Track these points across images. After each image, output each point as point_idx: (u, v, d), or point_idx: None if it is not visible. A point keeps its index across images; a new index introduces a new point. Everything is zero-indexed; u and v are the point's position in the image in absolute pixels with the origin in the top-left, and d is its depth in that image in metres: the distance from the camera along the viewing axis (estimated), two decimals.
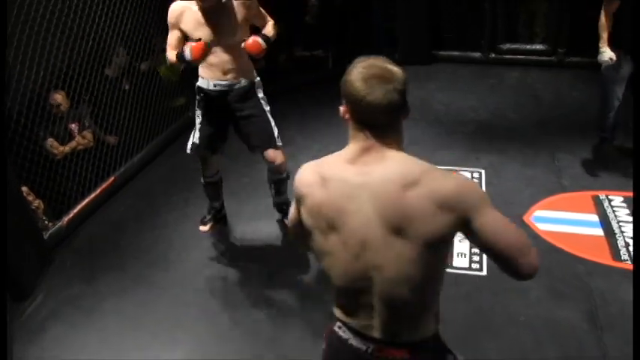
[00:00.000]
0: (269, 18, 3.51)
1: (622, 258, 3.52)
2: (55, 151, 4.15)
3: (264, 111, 3.53)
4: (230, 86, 3.43)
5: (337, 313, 1.69)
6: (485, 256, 3.57)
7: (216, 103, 3.47)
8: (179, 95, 5.56)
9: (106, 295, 3.48)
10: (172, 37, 3.30)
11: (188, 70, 3.94)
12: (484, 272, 3.49)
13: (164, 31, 5.12)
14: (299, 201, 1.65)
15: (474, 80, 6.44)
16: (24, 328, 3.30)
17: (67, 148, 4.27)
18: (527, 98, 5.88)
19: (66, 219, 4.02)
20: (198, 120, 3.56)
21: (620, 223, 3.83)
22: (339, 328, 1.69)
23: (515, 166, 4.60)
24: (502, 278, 3.30)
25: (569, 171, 4.42)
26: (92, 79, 4.40)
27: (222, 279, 3.58)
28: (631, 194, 4.08)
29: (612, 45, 3.97)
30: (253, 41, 3.34)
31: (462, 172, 4.54)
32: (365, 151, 1.52)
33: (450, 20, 7.07)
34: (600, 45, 4.02)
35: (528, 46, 6.77)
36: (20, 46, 3.67)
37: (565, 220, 3.88)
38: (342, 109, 1.55)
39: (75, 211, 4.12)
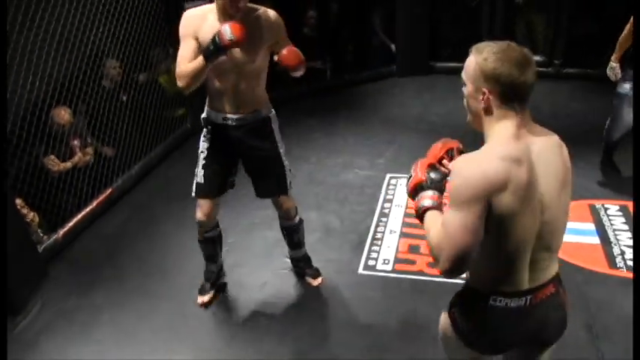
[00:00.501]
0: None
1: (618, 266, 3.53)
2: (55, 169, 4.13)
3: (280, 154, 3.12)
4: (243, 120, 2.98)
5: (485, 288, 1.79)
6: None
7: (225, 137, 3.03)
8: (178, 106, 5.57)
9: (103, 308, 3.46)
10: (188, 48, 2.77)
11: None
12: None
13: (163, 41, 5.19)
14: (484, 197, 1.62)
15: None
16: (17, 342, 3.26)
17: (68, 164, 4.24)
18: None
19: (61, 232, 3.99)
20: (202, 155, 3.07)
21: (616, 232, 3.84)
22: (494, 300, 1.78)
23: None
24: None
25: None
26: (89, 90, 4.40)
27: (220, 290, 3.57)
28: (626, 203, 4.10)
29: (626, 63, 3.99)
30: (289, 51, 2.86)
31: None
32: (521, 126, 1.68)
33: (447, 31, 7.13)
34: (612, 59, 4.05)
35: None
36: (16, 57, 3.66)
37: None
38: (482, 95, 1.68)
39: (71, 224, 4.09)
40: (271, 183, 3.18)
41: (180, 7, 5.02)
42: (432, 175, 1.94)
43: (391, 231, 4.00)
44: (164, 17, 5.13)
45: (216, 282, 3.47)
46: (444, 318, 1.98)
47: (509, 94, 1.66)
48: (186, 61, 2.75)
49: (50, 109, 4.07)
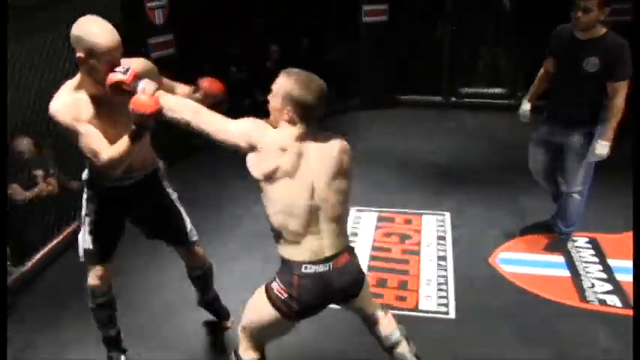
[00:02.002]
0: (173, 82, 2.94)
1: (588, 299, 3.55)
2: (19, 197, 4.08)
3: (173, 202, 3.01)
4: (133, 178, 2.78)
5: (299, 257, 2.26)
6: (452, 299, 3.55)
7: (113, 199, 2.81)
8: None
9: (71, 342, 3.37)
10: (90, 130, 2.45)
11: None
12: (452, 315, 3.46)
13: None
14: None
15: (436, 124, 6.54)
16: None
17: (31, 194, 4.19)
18: (487, 141, 5.99)
19: (29, 264, 3.96)
20: (88, 220, 2.82)
21: (585, 264, 3.87)
22: (305, 268, 2.25)
23: (478, 208, 4.64)
24: (470, 322, 3.30)
25: (532, 213, 4.46)
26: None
27: (193, 322, 3.49)
28: (594, 235, 4.14)
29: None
30: (210, 81, 2.87)
31: (425, 216, 4.55)
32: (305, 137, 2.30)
33: (410, 64, 7.23)
34: (525, 100, 3.96)
35: (488, 90, 6.93)
36: None
37: (530, 262, 3.92)
38: (286, 111, 2.29)
39: (39, 256, 4.06)
40: (174, 234, 3.04)
41: (145, 44, 5.02)
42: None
43: None
44: None
45: (120, 344, 3.14)
46: (257, 299, 2.41)
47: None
48: (103, 144, 2.44)
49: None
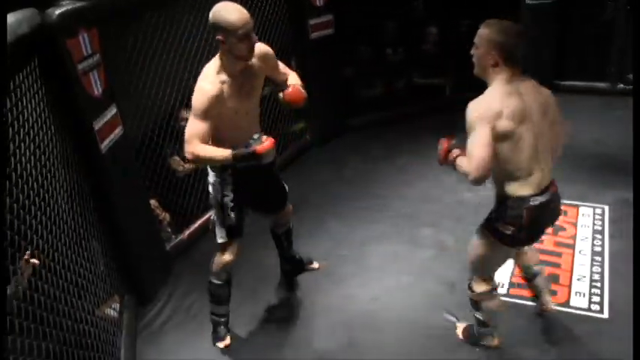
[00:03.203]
0: (289, 70, 3.22)
1: None
2: (180, 168, 4.36)
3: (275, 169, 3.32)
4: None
5: (526, 191, 2.56)
6: (607, 297, 3.40)
7: (247, 175, 3.01)
8: (298, 120, 5.70)
9: None
10: (202, 126, 2.74)
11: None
12: (605, 315, 3.31)
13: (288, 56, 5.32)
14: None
15: (600, 112, 6.17)
16: (145, 330, 3.51)
17: (190, 167, 4.42)
18: None
19: (187, 232, 4.23)
20: (228, 198, 3.08)
21: None
22: (534, 201, 2.57)
23: None
24: (626, 323, 3.15)
25: None
26: None
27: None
28: None
29: None
30: (294, 89, 3.04)
31: (582, 208, 4.35)
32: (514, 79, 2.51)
33: (575, 48, 6.86)
34: None
35: None
36: (149, 71, 3.95)
37: None
38: (490, 56, 2.47)
39: (196, 225, 4.32)
40: (281, 196, 3.38)
41: (305, 23, 5.17)
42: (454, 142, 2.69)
43: None
44: (287, 35, 5.31)
45: (228, 322, 3.38)
46: (478, 241, 2.79)
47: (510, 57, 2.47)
48: (199, 140, 2.73)
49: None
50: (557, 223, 4.09)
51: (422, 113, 6.20)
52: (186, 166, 4.40)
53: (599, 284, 3.54)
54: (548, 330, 3.22)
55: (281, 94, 3.06)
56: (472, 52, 2.54)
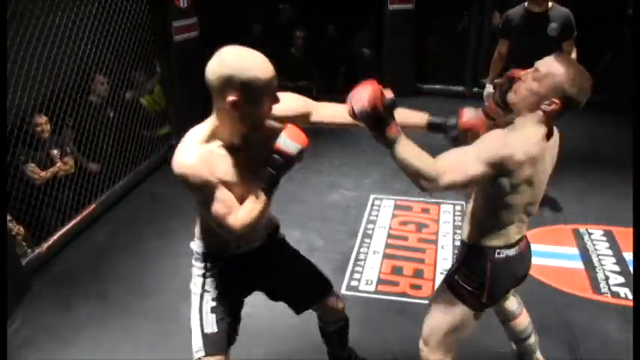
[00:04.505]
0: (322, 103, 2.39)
1: (602, 291, 3.54)
2: (36, 176, 4.12)
3: (297, 251, 2.55)
4: (259, 239, 2.33)
5: (500, 242, 2.17)
6: None
7: (239, 269, 2.32)
8: (163, 124, 5.58)
9: (84, 324, 3.42)
10: (222, 195, 1.97)
11: (172, 99, 3.23)
12: None
13: (148, 62, 5.21)
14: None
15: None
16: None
17: (47, 174, 4.23)
18: None
19: (45, 245, 3.98)
20: (210, 297, 2.29)
21: (600, 257, 3.86)
22: (499, 253, 2.17)
23: None
24: (485, 311, 3.31)
25: (550, 205, 4.45)
26: (76, 105, 4.40)
27: None
28: (610, 228, 4.14)
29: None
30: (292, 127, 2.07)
31: (443, 205, 4.57)
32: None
33: (434, 54, 7.22)
34: (487, 82, 4.41)
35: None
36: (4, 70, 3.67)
37: (546, 254, 3.90)
38: (550, 102, 1.98)
39: (55, 237, 4.08)
40: (315, 285, 2.55)
41: (169, 27, 5.08)
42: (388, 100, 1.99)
43: (374, 252, 4.00)
44: (150, 37, 5.17)
45: None
46: (440, 309, 2.33)
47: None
48: (233, 206, 1.99)
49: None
50: (420, 221, 4.36)
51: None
52: (43, 174, 4.16)
53: None
54: (416, 322, 3.31)
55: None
56: (523, 77, 2.07)
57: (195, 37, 5.49)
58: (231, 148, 2.00)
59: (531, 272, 3.60)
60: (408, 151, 1.99)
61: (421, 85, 7.18)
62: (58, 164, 4.35)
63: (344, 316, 2.70)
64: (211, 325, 2.27)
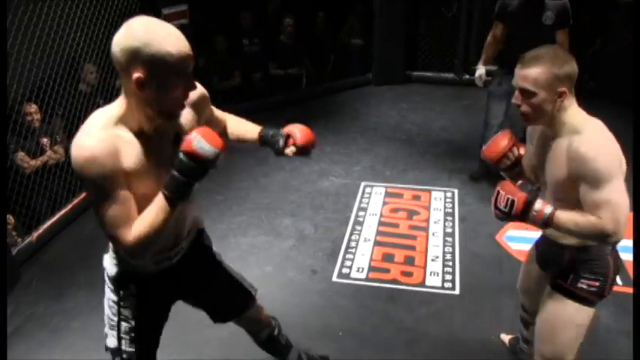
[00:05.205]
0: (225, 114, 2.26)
1: None
2: (26, 165, 4.09)
3: (221, 261, 2.35)
4: (180, 251, 2.06)
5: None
6: (458, 276, 3.60)
7: (158, 287, 2.07)
8: None
9: (74, 313, 3.42)
10: (121, 199, 1.67)
11: None
12: (457, 291, 3.50)
13: None
14: None
15: (448, 101, 6.53)
16: None
17: (37, 162, 4.20)
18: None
19: (35, 234, 3.96)
20: (127, 327, 2.07)
21: None
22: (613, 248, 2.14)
23: (487, 186, 4.65)
24: (474, 298, 3.34)
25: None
26: (66, 93, 4.37)
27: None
28: None
29: (498, 64, 4.46)
30: (302, 132, 2.16)
31: (434, 192, 4.58)
32: None
33: (424, 41, 7.20)
34: (479, 64, 4.45)
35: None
36: None
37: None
38: (557, 93, 1.94)
39: (45, 226, 4.06)
40: (236, 296, 2.39)
41: (159, 14, 5.04)
42: (528, 187, 2.01)
43: (365, 239, 4.01)
44: None
45: None
46: (561, 318, 2.20)
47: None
48: (132, 215, 1.69)
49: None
50: (412, 207, 4.37)
51: (279, 104, 6.26)
52: (33, 162, 4.14)
53: (450, 263, 3.74)
54: (407, 309, 3.36)
55: (288, 150, 2.16)
56: (522, 103, 2.00)
57: (185, 24, 5.44)
58: (139, 136, 1.71)
59: (522, 258, 3.68)
60: (569, 224, 1.98)
61: (411, 72, 7.17)
62: (48, 153, 4.32)
63: (269, 323, 2.57)
64: (127, 347, 2.10)
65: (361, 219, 4.27)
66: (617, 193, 1.90)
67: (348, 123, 6.06)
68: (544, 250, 2.39)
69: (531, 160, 2.23)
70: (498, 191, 2.00)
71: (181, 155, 1.65)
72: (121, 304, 2.04)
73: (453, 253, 3.84)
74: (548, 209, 1.95)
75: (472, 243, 3.95)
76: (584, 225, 1.93)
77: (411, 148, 5.43)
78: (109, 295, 2.07)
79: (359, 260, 3.79)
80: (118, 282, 2.02)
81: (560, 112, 1.98)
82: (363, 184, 4.75)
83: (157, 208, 1.69)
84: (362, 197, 4.57)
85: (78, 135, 1.66)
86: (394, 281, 3.59)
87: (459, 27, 6.86)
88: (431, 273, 3.65)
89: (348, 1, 7.31)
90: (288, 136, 2.14)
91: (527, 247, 3.81)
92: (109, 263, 2.03)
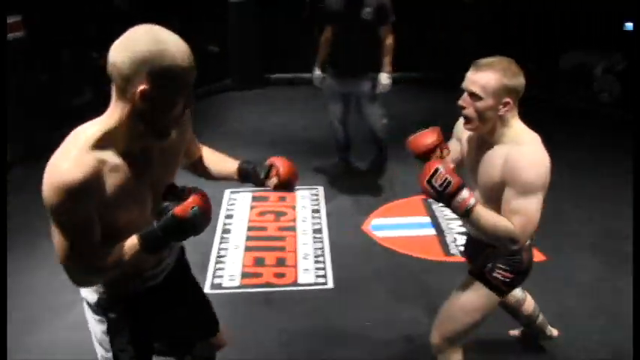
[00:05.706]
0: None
1: (451, 252, 3.77)
2: None
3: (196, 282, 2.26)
4: (166, 269, 1.96)
5: None
6: (330, 270, 3.63)
7: (147, 306, 1.89)
8: None
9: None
10: (92, 227, 1.55)
11: None
12: (330, 285, 3.53)
13: None
14: None
15: (308, 101, 6.60)
16: None
17: None
18: (357, 114, 6.12)
19: None
20: (127, 355, 1.89)
21: (448, 221, 4.09)
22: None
23: (350, 179, 4.74)
24: (347, 289, 3.38)
25: (400, 178, 4.64)
26: None
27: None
28: None
29: (330, 65, 4.50)
30: (285, 165, 2.14)
31: (299, 191, 4.60)
32: None
33: (281, 43, 7.23)
34: (315, 67, 4.58)
35: None
36: None
37: (399, 225, 4.07)
38: (502, 104, 2.01)
39: None
40: (207, 318, 2.28)
41: None
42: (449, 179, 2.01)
43: (235, 246, 3.95)
44: None
45: None
46: (471, 299, 2.30)
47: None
48: (91, 248, 1.56)
49: None
50: (278, 209, 4.36)
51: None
52: None
53: (321, 259, 3.77)
54: (283, 310, 3.33)
55: (270, 183, 2.08)
56: (466, 105, 2.06)
57: (21, 37, 5.07)
58: (126, 157, 1.57)
59: (388, 245, 3.82)
60: (486, 219, 2.05)
61: (269, 75, 7.19)
62: None
63: (214, 353, 2.37)
64: None
65: (229, 227, 4.19)
66: (535, 206, 2.01)
67: (209, 130, 5.94)
68: (470, 248, 2.51)
69: (456, 155, 2.34)
70: (437, 168, 2.00)
71: (170, 215, 1.56)
72: (112, 331, 1.85)
73: (322, 249, 3.88)
74: (472, 201, 2.01)
75: (340, 236, 4.01)
76: (499, 226, 2.03)
77: (273, 150, 5.39)
78: (96, 329, 1.88)
79: (230, 268, 3.71)
80: (102, 307, 1.83)
81: (503, 121, 2.05)
82: (227, 191, 4.68)
83: (128, 249, 1.59)
84: (228, 205, 4.50)
85: (55, 156, 1.50)
86: (267, 284, 3.55)
87: (312, 27, 6.97)
88: (304, 270, 3.66)
89: (202, 7, 7.20)
90: (270, 167, 2.08)
91: (392, 233, 4.01)
92: (87, 291, 1.83)
